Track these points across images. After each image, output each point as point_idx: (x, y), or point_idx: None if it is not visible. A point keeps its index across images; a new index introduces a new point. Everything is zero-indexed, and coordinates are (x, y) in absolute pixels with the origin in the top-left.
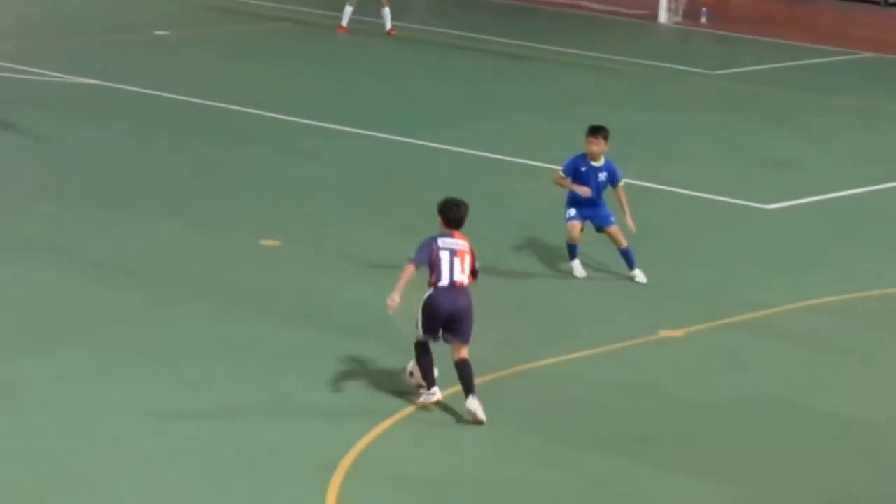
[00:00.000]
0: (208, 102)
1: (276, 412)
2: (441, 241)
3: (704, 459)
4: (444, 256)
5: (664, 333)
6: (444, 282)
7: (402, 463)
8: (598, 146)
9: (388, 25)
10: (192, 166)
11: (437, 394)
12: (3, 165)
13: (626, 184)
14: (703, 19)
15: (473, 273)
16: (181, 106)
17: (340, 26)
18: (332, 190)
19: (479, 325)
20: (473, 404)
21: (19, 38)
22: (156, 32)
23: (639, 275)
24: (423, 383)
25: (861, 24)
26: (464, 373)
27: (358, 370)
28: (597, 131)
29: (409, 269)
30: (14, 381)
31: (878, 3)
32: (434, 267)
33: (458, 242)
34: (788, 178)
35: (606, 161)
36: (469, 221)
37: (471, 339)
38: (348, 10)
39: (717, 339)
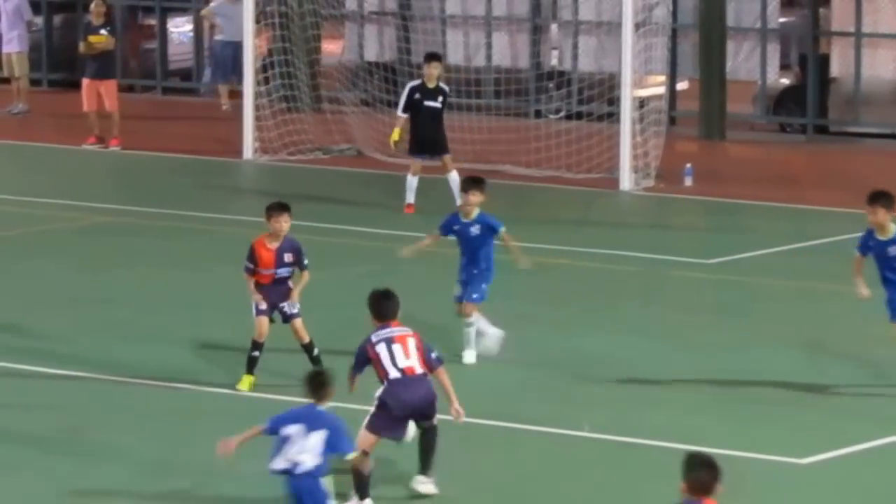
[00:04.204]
0: None
1: None
2: (374, 336)
3: None
4: (382, 349)
5: None
6: (394, 373)
7: None
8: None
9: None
10: None
11: None
12: None
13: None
14: (688, 181)
15: (427, 360)
16: None
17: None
18: None
19: None
20: (422, 484)
21: None
22: None
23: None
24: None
25: None
26: (427, 442)
27: None
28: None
29: (350, 383)
30: None
31: None
32: (377, 363)
33: (395, 330)
34: (830, 418)
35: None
36: None
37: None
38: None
39: None
